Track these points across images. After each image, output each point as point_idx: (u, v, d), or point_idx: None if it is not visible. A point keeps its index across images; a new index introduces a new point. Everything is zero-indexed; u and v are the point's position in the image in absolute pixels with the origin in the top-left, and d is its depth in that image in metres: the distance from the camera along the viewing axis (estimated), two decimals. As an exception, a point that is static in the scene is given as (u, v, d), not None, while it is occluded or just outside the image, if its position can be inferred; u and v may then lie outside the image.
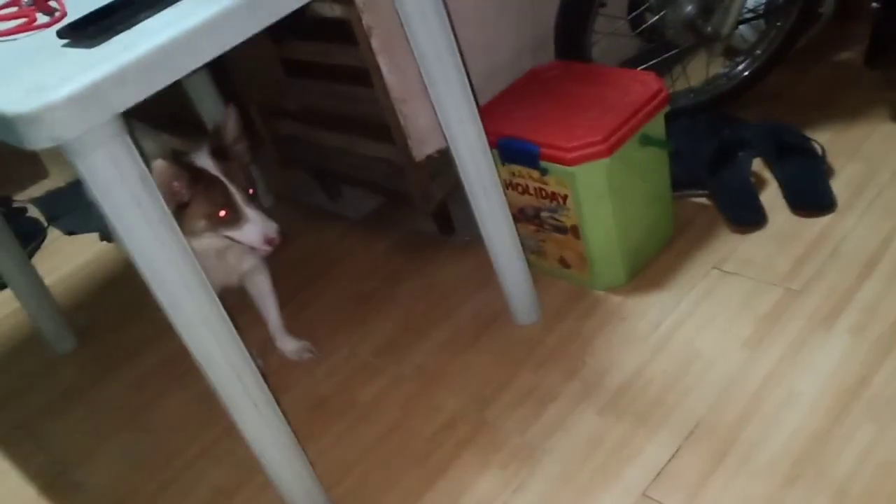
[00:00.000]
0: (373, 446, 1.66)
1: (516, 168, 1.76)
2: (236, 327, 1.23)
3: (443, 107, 1.51)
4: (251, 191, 1.56)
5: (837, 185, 1.90)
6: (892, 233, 1.75)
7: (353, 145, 2.07)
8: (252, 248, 1.58)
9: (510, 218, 1.68)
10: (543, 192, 1.76)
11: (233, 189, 1.52)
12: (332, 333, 1.99)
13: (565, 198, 1.72)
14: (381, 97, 1.81)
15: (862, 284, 1.66)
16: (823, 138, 2.00)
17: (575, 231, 1.78)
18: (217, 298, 1.19)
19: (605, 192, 1.69)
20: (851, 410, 1.44)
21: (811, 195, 1.87)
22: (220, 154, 1.56)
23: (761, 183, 1.97)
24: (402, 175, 1.98)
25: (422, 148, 1.87)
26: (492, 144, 1.64)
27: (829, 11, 2.41)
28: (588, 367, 1.68)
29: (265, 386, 1.30)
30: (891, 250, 1.71)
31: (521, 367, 1.73)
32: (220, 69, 2.21)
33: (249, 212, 1.53)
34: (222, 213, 1.52)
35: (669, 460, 1.46)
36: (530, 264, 1.80)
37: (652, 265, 1.87)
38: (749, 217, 1.87)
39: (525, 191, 1.79)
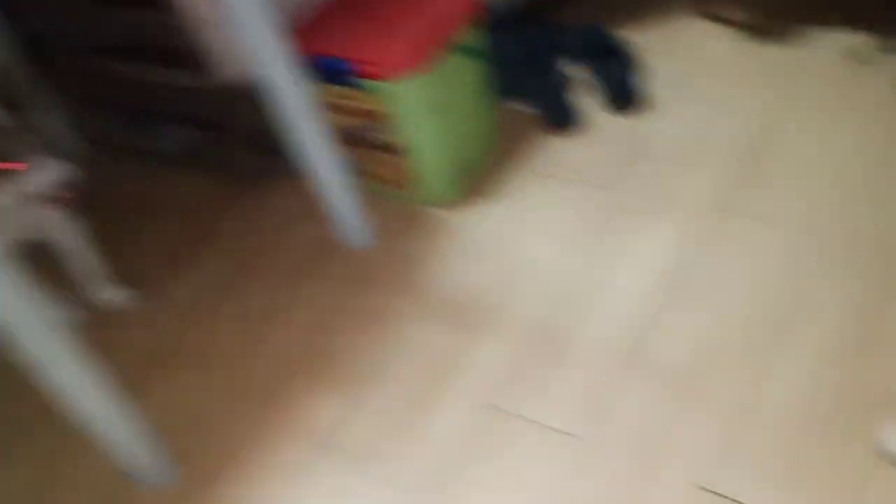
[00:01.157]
0: (213, 390, 1.61)
1: (334, 88, 1.70)
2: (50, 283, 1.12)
3: (248, 28, 1.42)
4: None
5: (651, 83, 1.96)
6: (705, 127, 1.83)
7: (162, 76, 1.93)
8: (45, 198, 1.46)
9: (332, 142, 1.63)
10: (364, 112, 1.71)
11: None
12: (160, 279, 1.89)
13: (386, 115, 1.68)
14: (185, 21, 1.69)
15: (679, 176, 1.74)
16: (637, 38, 2.05)
17: (400, 149, 1.75)
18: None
19: (424, 107, 1.66)
20: (672, 300, 1.52)
21: (626, 94, 1.92)
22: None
23: (578, 85, 2.00)
24: (218, 106, 1.87)
25: (231, 72, 1.77)
26: (307, 64, 1.56)
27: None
28: (423, 284, 1.68)
29: (74, 338, 1.20)
30: (705, 143, 1.79)
31: (357, 292, 1.70)
32: (17, 7, 1.99)
33: (31, 159, 1.40)
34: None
35: (508, 366, 1.50)
36: (360, 187, 1.76)
37: (479, 177, 1.88)
38: (568, 120, 1.90)
39: (346, 111, 1.73)
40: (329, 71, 1.66)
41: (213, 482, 1.43)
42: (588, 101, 1.96)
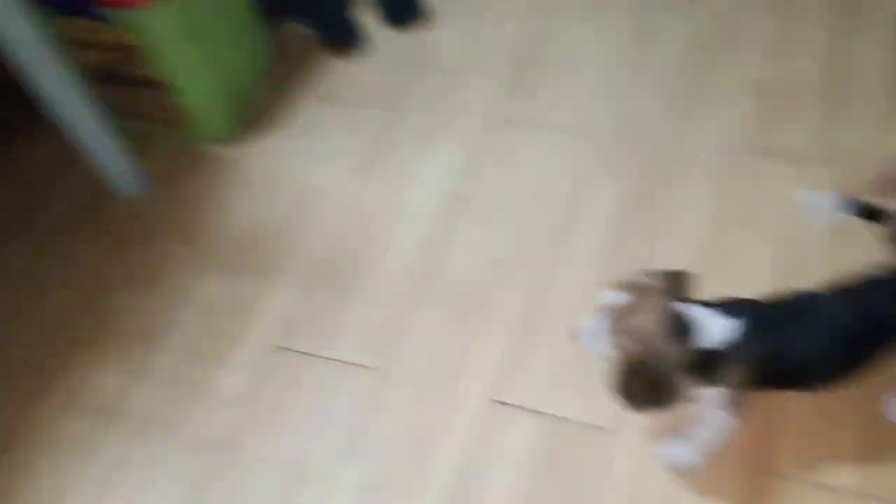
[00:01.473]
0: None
1: (77, 21, 1.51)
2: None
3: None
4: None
5: (427, -4, 1.89)
6: (482, 37, 1.79)
7: None
8: None
9: (80, 82, 1.46)
10: (114, 45, 1.54)
11: None
12: None
13: (139, 47, 1.52)
14: None
15: (458, 91, 1.70)
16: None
17: (161, 83, 1.60)
18: None
19: (178, 34, 1.52)
20: (459, 217, 1.50)
21: (405, 8, 1.84)
22: None
23: (357, 3, 1.90)
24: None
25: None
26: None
27: None
28: (206, 230, 1.58)
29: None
30: (484, 55, 1.76)
31: (134, 246, 1.57)
32: None
33: None
34: None
35: (298, 306, 1.44)
36: (125, 130, 1.61)
37: (256, 107, 1.76)
38: (347, 40, 1.81)
39: (94, 47, 1.56)
40: (66, 2, 1.48)
41: (-17, 473, 1.30)
42: (368, 18, 1.87)
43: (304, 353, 1.37)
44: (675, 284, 0.93)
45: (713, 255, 1.35)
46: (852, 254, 1.09)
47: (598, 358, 0.94)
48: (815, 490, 1.09)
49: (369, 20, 1.87)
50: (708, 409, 0.99)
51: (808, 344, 0.92)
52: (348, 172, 1.61)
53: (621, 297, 0.90)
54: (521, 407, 1.24)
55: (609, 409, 1.18)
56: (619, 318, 0.90)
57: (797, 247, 1.33)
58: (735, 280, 1.29)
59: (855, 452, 1.11)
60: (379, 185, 1.58)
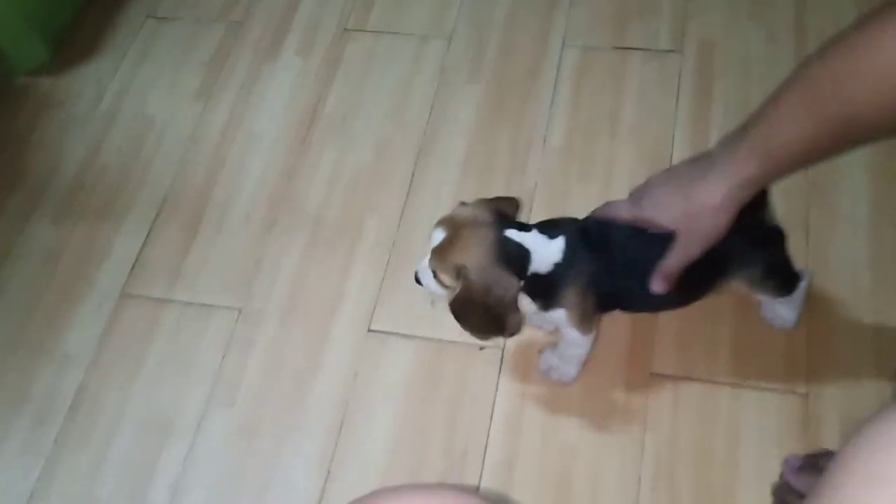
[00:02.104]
0: None
1: None
2: None
3: None
4: None
5: None
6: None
7: None
8: None
9: None
10: None
11: None
12: None
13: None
14: None
15: (299, 3, 1.57)
16: None
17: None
18: None
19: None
20: (312, 139, 1.40)
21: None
22: None
23: None
24: None
25: None
26: None
27: None
28: (29, 172, 1.41)
29: None
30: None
31: (-54, 197, 1.39)
32: None
33: None
34: None
35: (146, 248, 1.31)
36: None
37: (76, 29, 1.57)
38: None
39: None
40: None
41: None
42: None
43: (157, 299, 1.26)
44: (500, 210, 0.88)
45: (576, 160, 1.31)
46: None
47: (439, 297, 0.91)
48: (692, 384, 1.10)
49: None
50: (562, 329, 0.98)
51: (630, 268, 0.90)
52: (189, 98, 1.47)
53: (445, 233, 0.85)
54: (396, 333, 1.19)
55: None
56: (444, 255, 0.85)
57: (661, 151, 1.31)
58: (600, 184, 1.28)
59: (730, 347, 1.12)
60: (224, 108, 1.45)
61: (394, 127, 1.39)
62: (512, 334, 0.90)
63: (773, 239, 0.94)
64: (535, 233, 0.88)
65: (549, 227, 0.89)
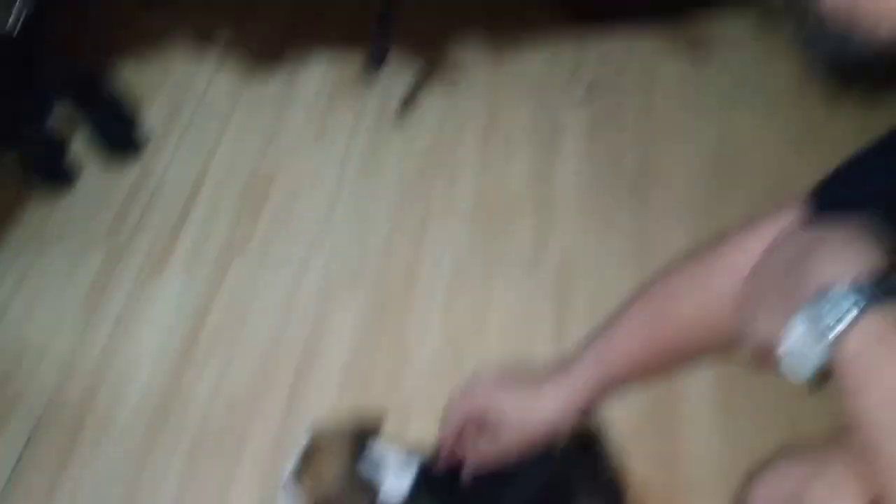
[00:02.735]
0: None
1: None
2: None
3: None
4: None
5: (146, 124, 1.82)
6: (205, 164, 1.75)
7: None
8: None
9: None
10: None
11: None
12: None
13: None
14: None
15: (185, 221, 1.64)
16: (122, 78, 1.90)
17: None
18: None
19: None
20: (198, 349, 1.43)
21: (119, 140, 1.76)
22: None
23: (66, 136, 1.79)
24: None
25: None
26: None
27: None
28: None
29: None
30: (207, 180, 1.72)
31: None
32: None
33: None
34: None
35: (17, 473, 1.27)
36: None
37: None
38: (59, 176, 1.69)
39: None
40: None
41: None
42: (80, 151, 1.76)
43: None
44: (366, 427, 0.94)
45: (451, 366, 1.39)
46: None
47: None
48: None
49: (84, 154, 1.76)
50: None
51: None
52: (71, 317, 1.48)
53: (309, 444, 0.90)
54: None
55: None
56: (306, 467, 0.89)
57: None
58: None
59: None
60: (107, 325, 1.47)
61: (277, 340, 1.44)
62: None
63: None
64: (393, 458, 0.91)
65: (406, 457, 0.92)
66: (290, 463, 0.91)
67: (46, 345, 1.44)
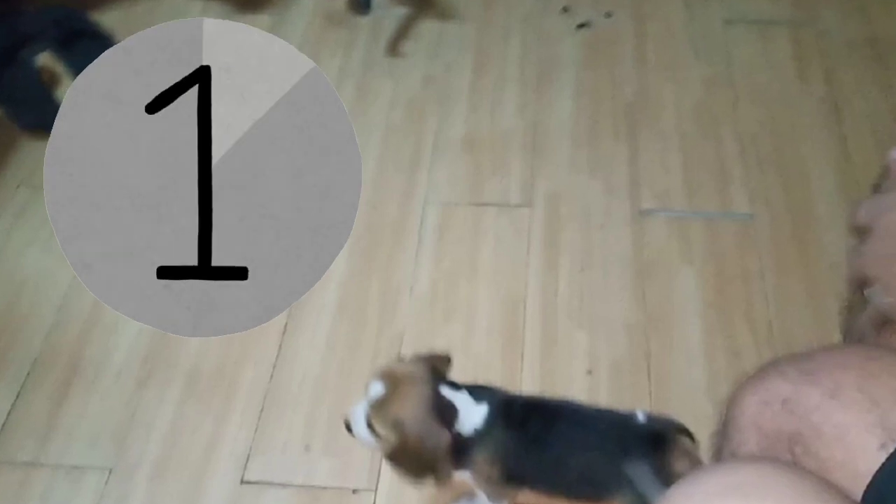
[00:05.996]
0: None
1: None
2: None
3: None
4: None
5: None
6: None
7: None
8: None
9: None
10: None
11: None
12: None
13: None
14: None
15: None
16: (111, 19, 1.87)
17: None
18: None
19: None
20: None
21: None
22: None
23: (53, 79, 1.78)
24: None
25: None
26: None
27: None
28: None
29: None
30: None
31: None
32: None
33: None
34: None
35: (10, 411, 1.30)
36: None
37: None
38: (43, 119, 1.68)
39: None
40: None
41: None
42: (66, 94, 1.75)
43: (26, 463, 1.24)
44: (434, 367, 0.96)
45: (440, 305, 1.40)
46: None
47: (369, 446, 0.96)
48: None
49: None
50: (472, 488, 1.03)
51: (546, 454, 0.95)
52: (65, 260, 1.49)
53: (383, 387, 0.92)
54: (270, 483, 1.21)
55: (364, 471, 1.19)
56: (384, 408, 0.92)
57: (517, 293, 1.41)
58: (463, 326, 1.36)
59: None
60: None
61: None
62: (442, 480, 0.95)
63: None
64: (465, 394, 0.95)
65: (477, 392, 0.96)
66: (361, 405, 0.93)
67: (40, 285, 1.46)
